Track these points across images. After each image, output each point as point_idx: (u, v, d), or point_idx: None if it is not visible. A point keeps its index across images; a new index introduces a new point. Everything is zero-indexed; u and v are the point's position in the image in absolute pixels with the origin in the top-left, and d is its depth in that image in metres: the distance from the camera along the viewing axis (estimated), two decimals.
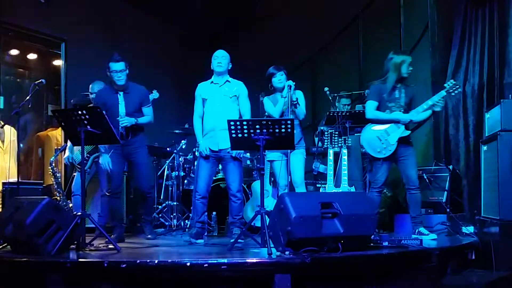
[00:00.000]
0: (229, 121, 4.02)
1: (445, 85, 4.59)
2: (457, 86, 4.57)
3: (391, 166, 4.68)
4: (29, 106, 5.69)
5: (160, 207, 6.17)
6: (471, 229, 4.69)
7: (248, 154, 6.30)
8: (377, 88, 4.65)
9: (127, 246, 4.28)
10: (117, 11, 7.59)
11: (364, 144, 4.68)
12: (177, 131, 6.09)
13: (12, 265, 3.43)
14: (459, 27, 5.93)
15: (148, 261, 3.21)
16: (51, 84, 7.02)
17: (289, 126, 3.93)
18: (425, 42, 6.20)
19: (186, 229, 5.58)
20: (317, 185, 5.88)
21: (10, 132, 6.05)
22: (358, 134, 5.84)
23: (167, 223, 6.01)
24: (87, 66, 6.81)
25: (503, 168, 4.23)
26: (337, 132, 5.05)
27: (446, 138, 5.94)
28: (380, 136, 4.59)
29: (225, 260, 3.19)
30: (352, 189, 4.93)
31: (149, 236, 4.97)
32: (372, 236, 3.80)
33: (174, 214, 6.01)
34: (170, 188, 6.25)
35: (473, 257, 4.21)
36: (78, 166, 5.27)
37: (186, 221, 5.83)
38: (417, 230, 4.59)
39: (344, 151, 4.96)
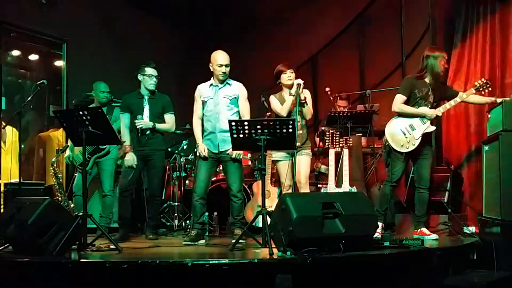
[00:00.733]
0: (230, 121, 4.02)
1: (475, 83, 4.62)
2: (488, 85, 4.58)
3: (408, 162, 4.68)
4: (31, 106, 5.72)
5: (161, 207, 6.17)
6: (472, 229, 4.69)
7: (249, 155, 6.30)
8: (410, 83, 4.64)
9: (128, 247, 4.28)
10: (119, 12, 7.59)
11: (388, 137, 4.64)
12: (178, 132, 6.09)
13: (13, 265, 3.43)
14: (460, 26, 5.93)
15: (149, 261, 3.21)
16: (52, 85, 7.02)
17: (290, 126, 3.93)
18: (426, 42, 6.20)
19: (188, 229, 5.58)
20: (318, 185, 5.88)
21: (12, 133, 6.06)
22: (359, 134, 5.85)
23: (168, 224, 6.02)
24: (88, 67, 6.81)
25: (505, 168, 4.23)
26: (338, 132, 5.05)
27: (447, 138, 5.94)
28: (405, 130, 4.58)
29: (227, 261, 3.19)
30: (353, 189, 4.93)
31: (150, 236, 4.98)
32: (375, 235, 3.80)
33: (175, 214, 6.01)
34: (171, 189, 6.25)
35: (475, 257, 4.20)
36: (79, 167, 5.28)
37: (188, 221, 5.83)
38: (419, 230, 4.60)
39: (345, 151, 4.96)
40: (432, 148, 4.73)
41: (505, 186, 4.19)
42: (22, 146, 6.26)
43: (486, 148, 4.69)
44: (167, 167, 6.36)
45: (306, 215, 3.36)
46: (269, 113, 6.13)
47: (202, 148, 4.66)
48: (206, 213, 5.17)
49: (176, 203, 6.09)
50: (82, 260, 3.54)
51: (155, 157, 4.98)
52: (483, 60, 5.69)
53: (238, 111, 4.73)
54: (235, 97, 4.70)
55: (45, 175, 6.56)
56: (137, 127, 4.87)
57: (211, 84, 4.74)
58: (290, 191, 4.63)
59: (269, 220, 3.82)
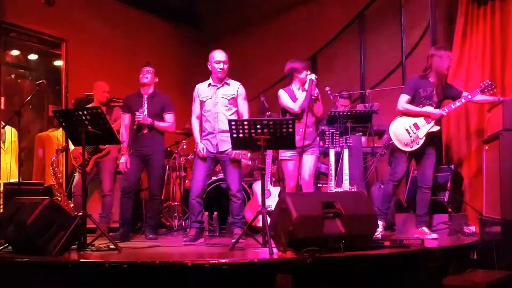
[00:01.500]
0: (230, 121, 4.02)
1: (480, 84, 4.64)
2: (493, 86, 4.58)
3: (411, 161, 4.68)
4: (30, 106, 5.70)
5: (161, 207, 6.16)
6: (472, 228, 4.69)
7: (249, 154, 6.29)
8: (414, 82, 4.65)
9: (128, 247, 4.27)
10: (118, 12, 7.58)
11: (392, 136, 4.65)
12: (178, 131, 6.09)
13: (13, 265, 3.43)
14: (460, 26, 5.92)
15: (149, 261, 3.20)
16: (51, 85, 7.02)
17: (290, 126, 3.92)
18: (426, 41, 6.19)
19: (187, 229, 5.57)
20: (319, 185, 5.87)
21: (11, 133, 6.05)
22: (359, 134, 5.84)
23: (168, 223, 6.01)
24: (88, 67, 6.81)
25: (505, 167, 4.22)
26: (338, 132, 5.05)
27: (448, 138, 5.93)
28: (409, 129, 4.58)
29: (227, 260, 3.19)
30: (354, 189, 4.92)
31: (150, 236, 4.98)
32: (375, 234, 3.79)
33: (175, 214, 6.01)
34: (171, 188, 6.25)
35: (475, 257, 4.20)
36: (79, 167, 5.27)
37: (187, 221, 5.82)
38: (419, 229, 4.60)
39: (346, 150, 4.96)
40: (435, 147, 4.72)
41: (505, 186, 4.19)
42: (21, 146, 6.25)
43: (487, 147, 4.68)
44: (167, 167, 6.35)
45: (306, 215, 3.36)
46: (269, 112, 6.13)
47: (201, 148, 4.66)
48: (206, 213, 5.17)
49: (176, 203, 6.09)
50: (81, 260, 3.53)
51: (154, 156, 4.98)
52: (483, 60, 5.68)
53: (237, 111, 4.73)
54: (234, 97, 4.69)
55: (44, 175, 6.55)
56: (136, 119, 4.87)
57: (210, 84, 4.73)
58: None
59: (269, 219, 3.81)
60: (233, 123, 4.00)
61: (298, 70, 4.71)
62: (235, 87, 4.72)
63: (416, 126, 4.57)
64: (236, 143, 4.12)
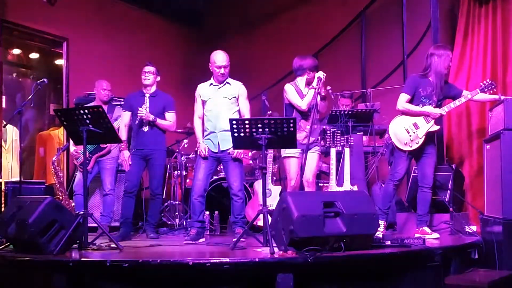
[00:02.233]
0: (231, 120, 4.02)
1: (481, 83, 4.62)
2: (493, 86, 4.56)
3: (411, 161, 4.67)
4: (31, 105, 5.71)
5: (162, 206, 6.16)
6: (474, 228, 4.68)
7: (250, 154, 6.30)
8: (414, 82, 4.62)
9: (129, 246, 4.28)
10: (119, 10, 7.58)
11: (392, 135, 4.64)
12: (179, 130, 6.09)
13: (14, 264, 3.43)
14: (462, 25, 5.91)
15: (150, 260, 3.20)
16: (53, 83, 7.02)
17: (291, 125, 3.92)
18: (428, 40, 6.18)
19: (189, 228, 5.58)
20: (320, 184, 5.87)
21: (12, 132, 6.06)
22: (361, 133, 5.84)
23: (169, 222, 6.02)
24: (89, 65, 6.81)
25: (506, 167, 4.21)
26: (339, 131, 5.04)
27: (449, 137, 5.93)
28: (408, 128, 4.58)
29: (228, 260, 3.19)
30: (355, 188, 4.92)
31: (151, 235, 4.98)
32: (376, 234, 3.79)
33: (176, 213, 6.01)
34: (172, 188, 6.25)
35: (476, 256, 4.20)
36: (80, 166, 5.28)
37: (189, 220, 5.83)
38: (421, 229, 4.59)
39: (347, 150, 4.96)
40: (435, 147, 4.72)
41: (507, 185, 4.18)
42: (22, 144, 6.25)
43: (488, 146, 4.67)
44: (168, 166, 6.35)
45: (307, 214, 3.35)
46: (270, 111, 6.14)
47: (203, 148, 4.66)
48: (207, 212, 5.17)
49: (177, 202, 6.09)
50: (83, 259, 3.54)
51: (156, 155, 4.99)
52: (484, 59, 5.68)
53: (238, 110, 4.72)
54: (235, 97, 4.69)
55: (45, 174, 6.56)
56: (138, 114, 4.87)
57: (211, 84, 4.73)
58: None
59: (270, 219, 3.81)
60: (234, 122, 4.00)
61: (307, 68, 4.68)
62: (236, 87, 4.72)
63: (415, 125, 4.56)
64: (238, 142, 4.12)
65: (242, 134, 3.99)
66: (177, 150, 6.34)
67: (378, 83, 6.76)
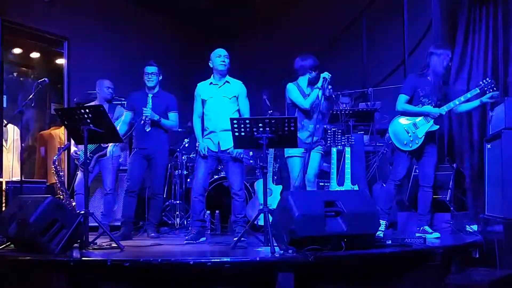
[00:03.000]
0: (231, 119, 4.01)
1: (480, 82, 4.58)
2: (493, 85, 4.51)
3: (412, 160, 4.67)
4: (32, 105, 5.70)
5: (163, 205, 6.16)
6: (475, 227, 4.68)
7: (251, 153, 6.30)
8: (413, 82, 4.61)
9: (130, 245, 4.28)
10: (120, 10, 7.58)
11: (392, 136, 4.63)
12: (180, 130, 6.09)
13: (15, 263, 3.43)
14: (463, 25, 5.91)
15: (151, 259, 3.20)
16: (54, 83, 7.02)
17: (292, 124, 3.92)
18: (429, 40, 6.18)
19: (189, 228, 5.58)
20: (320, 184, 5.87)
21: (13, 131, 6.06)
22: (361, 132, 5.84)
23: (170, 222, 6.02)
24: (90, 65, 6.82)
25: (507, 166, 4.21)
26: (340, 130, 5.04)
27: (450, 136, 5.92)
28: (408, 128, 4.56)
29: (228, 259, 3.19)
30: (356, 187, 4.92)
31: (152, 234, 4.99)
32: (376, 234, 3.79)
33: (177, 212, 6.01)
34: (173, 187, 6.25)
35: (477, 256, 4.19)
36: (81, 166, 5.28)
37: (189, 219, 5.83)
38: (421, 228, 4.59)
39: (347, 149, 4.95)
40: (436, 146, 4.71)
41: (508, 184, 4.18)
42: (23, 144, 6.26)
43: (489, 146, 4.67)
44: (169, 165, 6.35)
45: (308, 214, 3.35)
46: (271, 111, 6.13)
47: (202, 147, 4.66)
48: (208, 211, 5.17)
49: (178, 201, 6.09)
50: (83, 258, 3.54)
51: (158, 155, 4.99)
52: (485, 59, 5.68)
53: (238, 109, 4.72)
54: (235, 96, 4.69)
55: (46, 174, 6.56)
56: (144, 113, 4.88)
57: (211, 83, 4.73)
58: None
59: (271, 218, 3.81)
60: (235, 121, 3.99)
61: (309, 68, 4.68)
62: (236, 86, 4.71)
63: (415, 125, 4.55)
64: (238, 142, 4.12)
65: (243, 134, 3.99)
66: (178, 149, 6.34)
67: (379, 82, 6.76)
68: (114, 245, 3.92)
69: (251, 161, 6.33)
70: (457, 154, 5.81)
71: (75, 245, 3.83)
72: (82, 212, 3.91)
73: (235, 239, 4.08)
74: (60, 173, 5.37)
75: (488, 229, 4.45)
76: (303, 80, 4.71)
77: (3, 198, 5.49)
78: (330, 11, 7.62)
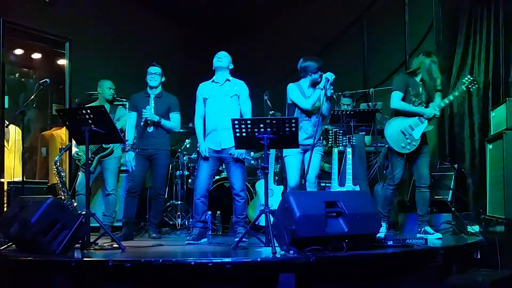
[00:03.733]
0: (233, 120, 4.02)
1: (463, 80, 4.62)
2: (475, 82, 4.59)
3: (407, 162, 4.68)
4: (34, 105, 5.71)
5: (164, 206, 6.16)
6: (476, 228, 4.68)
7: (252, 153, 6.29)
8: (404, 80, 4.64)
9: (131, 245, 4.28)
10: (121, 10, 7.59)
11: (389, 139, 4.62)
12: (181, 130, 6.10)
13: (17, 264, 3.44)
14: (464, 25, 5.91)
15: (152, 260, 3.21)
16: (55, 84, 7.02)
17: (293, 125, 3.92)
18: (430, 40, 6.18)
19: (191, 228, 5.58)
20: (322, 184, 5.87)
21: (15, 132, 6.07)
22: (363, 133, 5.84)
23: (171, 222, 6.02)
24: (91, 65, 6.82)
25: (509, 166, 4.21)
26: (341, 131, 5.04)
27: (451, 137, 5.92)
28: (404, 130, 4.56)
29: (230, 259, 3.19)
30: (357, 188, 4.91)
31: (153, 235, 4.99)
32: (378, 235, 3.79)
33: (178, 213, 6.01)
34: (174, 187, 6.25)
35: (479, 256, 4.19)
36: (83, 167, 5.29)
37: (191, 220, 5.83)
38: (423, 229, 4.58)
39: (349, 150, 4.95)
40: (428, 145, 4.74)
41: (509, 185, 4.18)
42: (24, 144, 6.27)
43: (490, 146, 4.67)
44: (170, 166, 6.35)
45: (309, 214, 3.35)
46: (272, 111, 6.13)
47: (203, 149, 4.66)
48: (209, 212, 5.16)
49: (179, 202, 6.09)
50: (85, 258, 3.54)
51: (159, 156, 5.00)
52: (487, 59, 5.67)
53: (240, 109, 4.73)
54: (237, 95, 4.69)
55: (48, 174, 6.57)
56: (143, 115, 4.90)
57: (213, 81, 4.74)
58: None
59: (272, 219, 3.81)
60: (236, 122, 4.00)
61: (313, 69, 4.67)
62: (237, 86, 4.72)
63: (410, 127, 4.56)
64: (239, 142, 4.12)
65: (244, 134, 3.99)
66: (179, 150, 6.34)
67: (380, 83, 6.76)
68: (115, 245, 3.92)
69: (253, 162, 6.33)
70: (458, 154, 5.81)
71: (77, 245, 3.84)
72: (84, 212, 3.92)
73: (237, 239, 4.08)
74: (62, 174, 5.37)
75: (489, 230, 4.45)
76: (304, 82, 4.71)
77: (5, 198, 5.49)
78: (331, 11, 7.61)
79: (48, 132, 7.08)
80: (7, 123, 5.91)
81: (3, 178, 5.73)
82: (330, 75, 4.48)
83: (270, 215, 3.88)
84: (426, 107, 4.59)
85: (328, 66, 7.60)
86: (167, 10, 8.17)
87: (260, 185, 5.66)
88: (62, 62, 6.98)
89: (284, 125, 3.92)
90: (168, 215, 6.12)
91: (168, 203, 6.17)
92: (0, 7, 6.02)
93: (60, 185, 5.36)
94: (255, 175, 6.41)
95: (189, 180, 6.31)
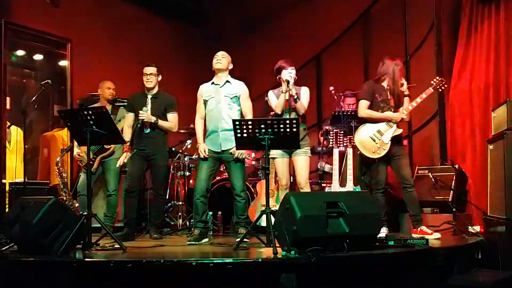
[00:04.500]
0: (234, 121, 4.03)
1: (431, 82, 4.71)
2: (443, 82, 4.70)
3: (387, 165, 4.72)
4: (35, 106, 5.72)
5: (165, 206, 6.17)
6: (477, 228, 4.68)
7: (253, 154, 6.30)
8: (371, 87, 4.78)
9: (132, 246, 4.29)
10: (123, 11, 7.60)
11: (359, 145, 4.76)
12: (182, 131, 6.11)
13: (18, 264, 3.45)
14: (465, 25, 5.91)
15: (154, 260, 3.21)
16: (57, 85, 7.04)
17: (294, 125, 3.93)
18: (431, 40, 6.17)
19: (192, 229, 5.58)
20: (322, 185, 5.87)
21: (16, 133, 6.08)
22: None
23: (172, 223, 6.03)
24: (92, 66, 6.83)
25: (510, 167, 4.21)
26: (342, 132, 5.04)
27: (452, 137, 5.92)
28: (373, 136, 4.65)
29: (231, 260, 3.20)
30: (358, 188, 4.92)
31: (154, 235, 4.99)
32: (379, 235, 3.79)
33: (179, 213, 6.02)
34: (175, 188, 6.26)
35: (480, 257, 4.19)
36: (85, 167, 5.29)
37: (192, 220, 5.83)
38: (419, 229, 4.58)
39: (350, 150, 4.96)
40: (404, 147, 4.87)
41: (510, 185, 4.17)
42: (26, 145, 6.28)
43: (491, 147, 4.67)
44: (171, 167, 6.36)
45: (310, 214, 3.36)
46: (273, 112, 6.14)
47: (202, 149, 4.67)
48: (210, 212, 5.17)
49: (180, 203, 6.10)
50: (86, 259, 3.55)
51: (157, 156, 5.00)
52: (487, 59, 5.67)
53: (240, 110, 4.73)
54: (237, 96, 4.70)
55: (49, 175, 6.57)
56: (139, 117, 4.89)
57: (213, 83, 4.75)
58: (287, 190, 4.63)
59: (273, 219, 3.81)
60: (237, 122, 4.01)
61: (278, 71, 4.72)
62: (237, 86, 4.73)
63: (379, 132, 4.65)
64: (240, 143, 4.13)
65: (245, 135, 4.00)
66: (180, 150, 6.35)
67: None
68: (116, 246, 3.93)
69: (254, 162, 6.33)
70: (459, 154, 5.81)
71: (78, 246, 3.85)
72: (85, 213, 3.93)
73: (238, 240, 4.09)
74: (63, 174, 5.39)
75: (490, 230, 4.45)
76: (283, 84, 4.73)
77: (6, 199, 5.51)
78: (332, 11, 7.61)
79: (49, 133, 7.09)
80: (9, 124, 5.92)
81: (5, 179, 5.74)
82: (287, 77, 4.54)
83: (271, 215, 3.88)
84: (396, 111, 4.64)
85: (330, 66, 7.64)
86: (168, 10, 8.17)
87: (261, 185, 5.65)
88: (64, 63, 7.00)
89: (285, 126, 3.93)
90: (169, 215, 6.13)
91: (169, 204, 6.18)
92: (1, 9, 6.04)
93: (62, 186, 5.37)
94: (256, 176, 6.42)
95: (190, 181, 6.31)
